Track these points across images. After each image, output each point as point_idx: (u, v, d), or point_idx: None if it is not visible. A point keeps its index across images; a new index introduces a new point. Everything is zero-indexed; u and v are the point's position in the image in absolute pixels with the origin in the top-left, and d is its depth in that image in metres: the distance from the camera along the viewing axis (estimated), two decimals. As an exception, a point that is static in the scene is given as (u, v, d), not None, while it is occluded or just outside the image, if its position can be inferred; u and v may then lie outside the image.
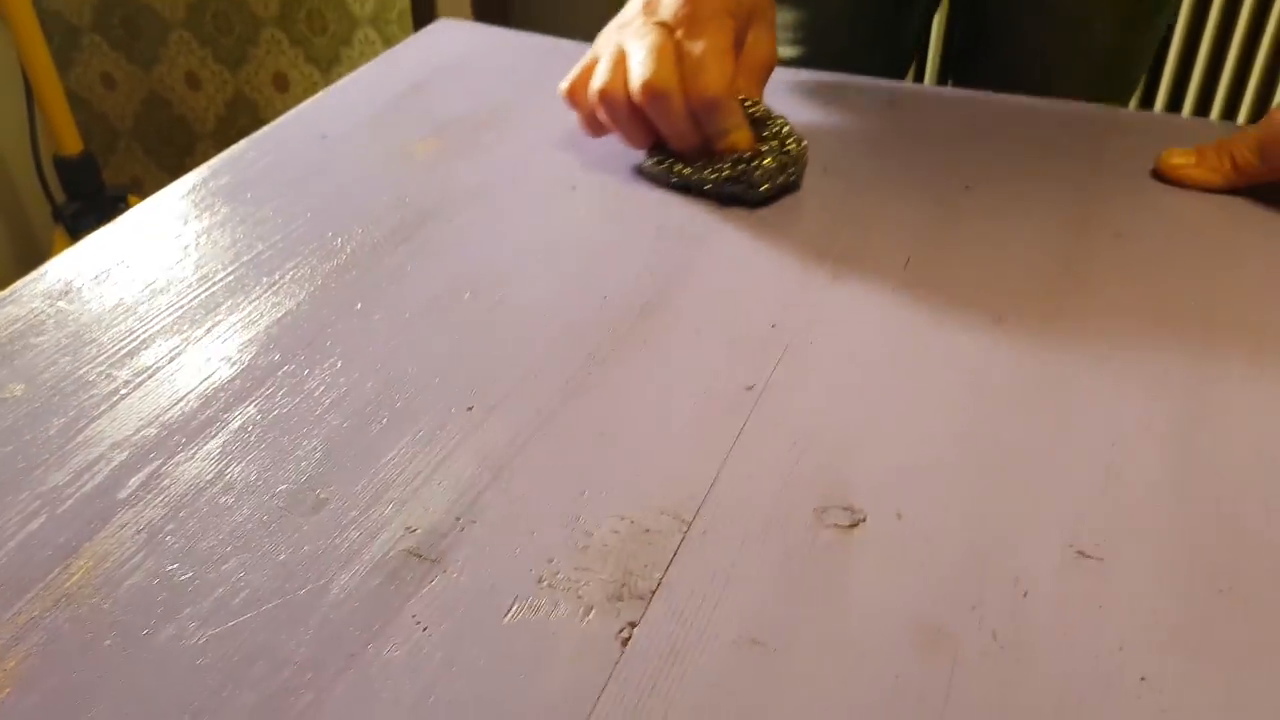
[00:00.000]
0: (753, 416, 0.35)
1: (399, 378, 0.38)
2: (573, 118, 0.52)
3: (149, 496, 0.32)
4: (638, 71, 0.44)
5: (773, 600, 0.29)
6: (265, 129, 0.56)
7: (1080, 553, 0.30)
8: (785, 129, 0.47)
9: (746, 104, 0.47)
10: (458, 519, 0.32)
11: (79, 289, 0.42)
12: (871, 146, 0.54)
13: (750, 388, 0.37)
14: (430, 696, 0.27)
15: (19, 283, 0.43)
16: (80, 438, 0.35)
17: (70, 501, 0.32)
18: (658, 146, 0.49)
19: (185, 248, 0.45)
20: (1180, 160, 0.49)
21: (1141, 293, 0.43)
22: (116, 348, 0.39)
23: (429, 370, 0.38)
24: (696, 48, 0.45)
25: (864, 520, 0.31)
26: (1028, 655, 0.27)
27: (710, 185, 0.47)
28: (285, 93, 1.73)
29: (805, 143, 0.48)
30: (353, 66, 1.68)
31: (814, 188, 0.50)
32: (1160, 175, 0.50)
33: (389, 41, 1.67)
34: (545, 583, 0.30)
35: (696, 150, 0.47)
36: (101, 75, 1.80)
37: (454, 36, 0.68)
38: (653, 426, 0.35)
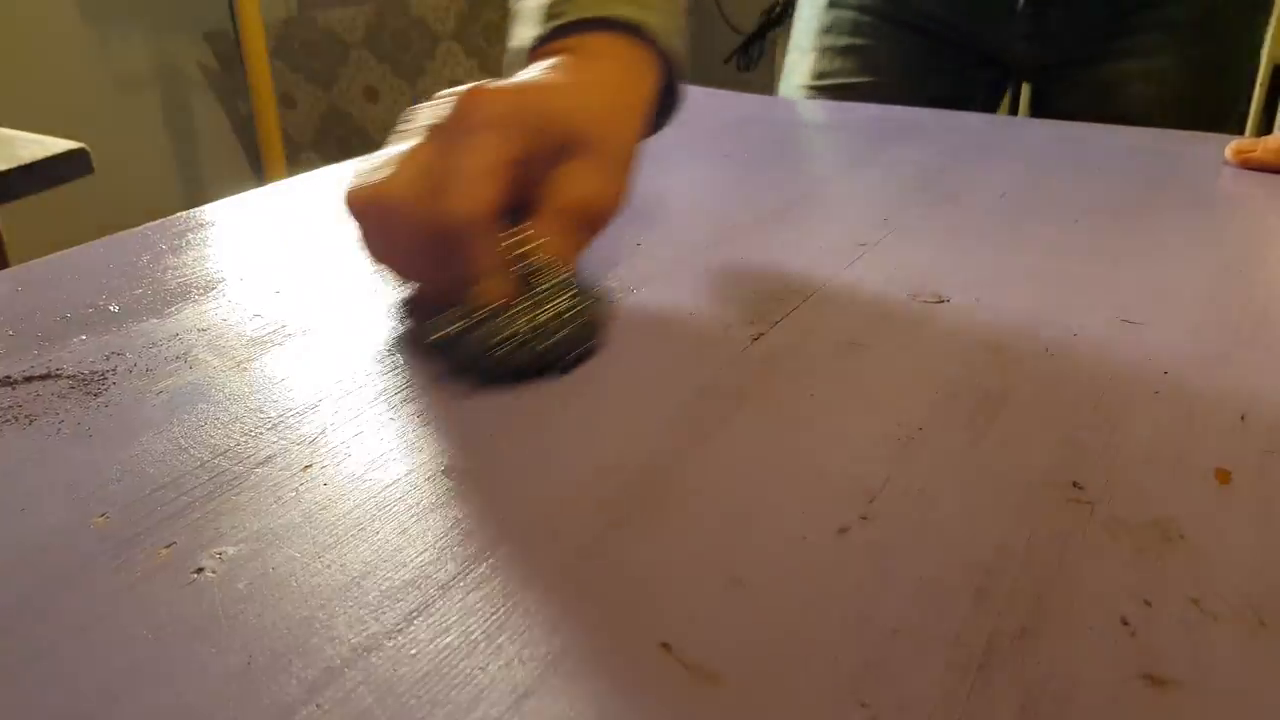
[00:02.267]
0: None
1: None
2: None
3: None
4: (357, 180, 0.32)
5: None
6: None
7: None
8: (568, 289, 0.32)
9: (520, 250, 0.32)
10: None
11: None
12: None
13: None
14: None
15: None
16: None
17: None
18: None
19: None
20: (1246, 146, 0.56)
21: None
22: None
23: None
24: (452, 160, 0.31)
25: None
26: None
27: (446, 346, 0.32)
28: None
29: (591, 307, 0.33)
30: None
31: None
32: (1228, 162, 0.55)
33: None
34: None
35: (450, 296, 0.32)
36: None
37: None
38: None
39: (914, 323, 0.37)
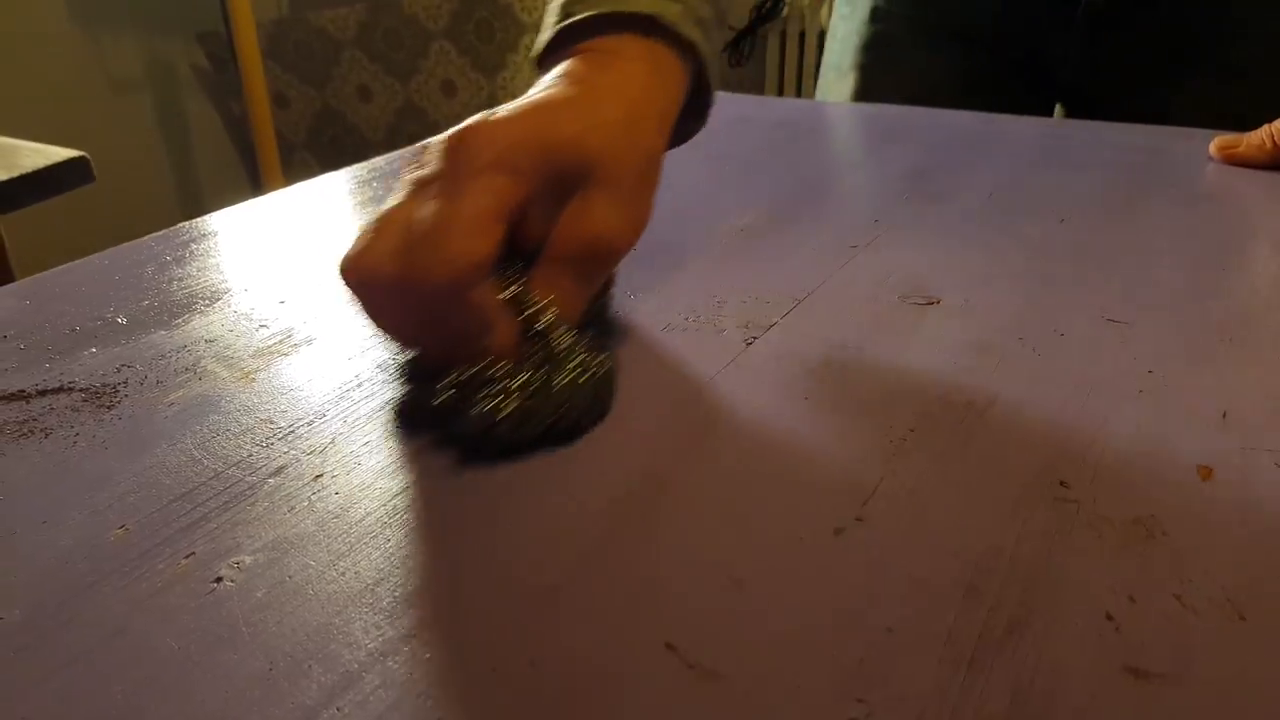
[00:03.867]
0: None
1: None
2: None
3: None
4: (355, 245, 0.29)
5: None
6: None
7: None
8: (577, 350, 0.30)
9: (524, 307, 0.30)
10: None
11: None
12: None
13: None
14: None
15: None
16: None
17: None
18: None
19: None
20: (1229, 142, 0.56)
21: None
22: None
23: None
24: (435, 215, 0.28)
25: None
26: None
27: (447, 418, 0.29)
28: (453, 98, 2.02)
29: (601, 368, 0.31)
30: (518, 71, 1.99)
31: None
32: (1212, 158, 0.56)
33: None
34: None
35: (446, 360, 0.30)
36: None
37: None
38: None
39: (905, 324, 0.37)
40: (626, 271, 0.43)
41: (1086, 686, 0.21)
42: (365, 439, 0.30)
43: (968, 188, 0.54)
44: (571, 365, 0.29)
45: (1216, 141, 0.58)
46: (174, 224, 0.51)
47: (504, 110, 0.31)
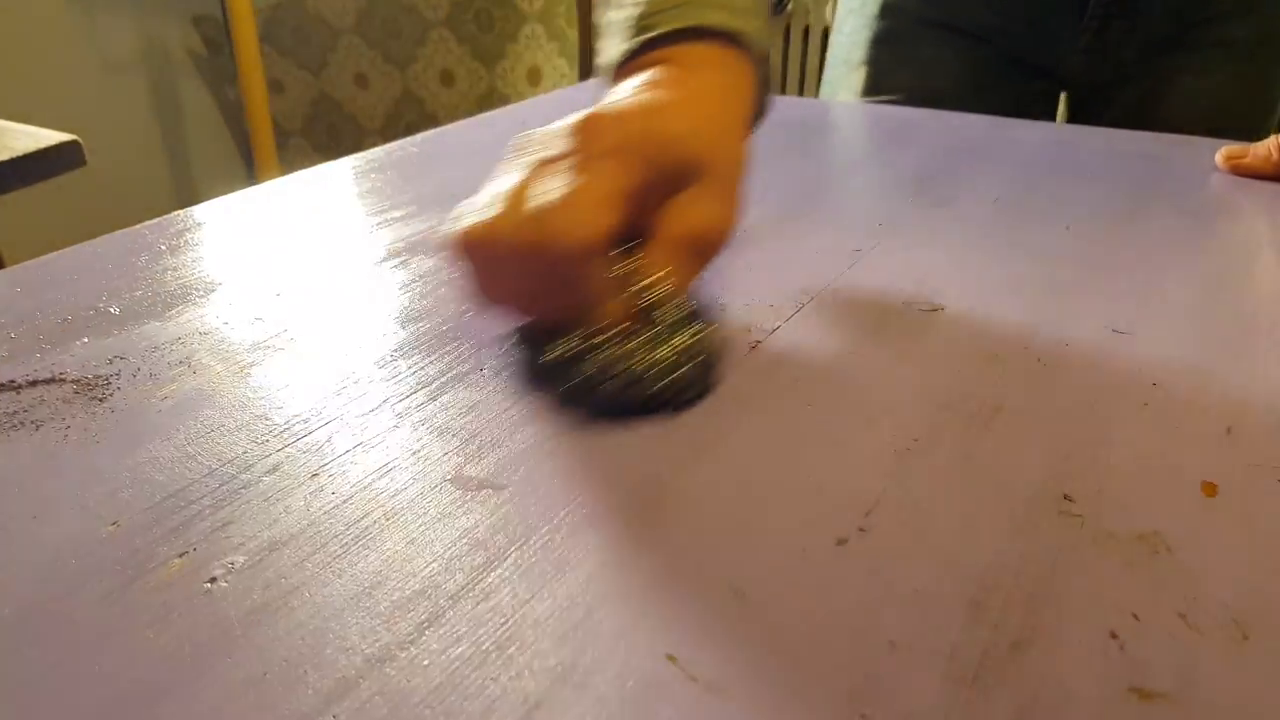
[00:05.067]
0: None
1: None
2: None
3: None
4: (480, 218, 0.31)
5: None
6: (491, 115, 0.60)
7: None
8: (688, 324, 0.32)
9: (638, 281, 0.32)
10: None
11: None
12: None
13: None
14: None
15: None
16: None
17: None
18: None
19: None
20: (1236, 152, 0.57)
21: None
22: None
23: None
24: (566, 188, 0.30)
25: None
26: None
27: (564, 375, 0.31)
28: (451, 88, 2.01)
29: (709, 344, 0.32)
30: (518, 61, 1.98)
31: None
32: (1218, 168, 0.56)
33: (555, 37, 1.97)
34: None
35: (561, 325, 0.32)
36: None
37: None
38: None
39: (910, 331, 0.37)
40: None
41: (1091, 706, 0.20)
42: (361, 438, 0.30)
43: (972, 193, 0.54)
44: (680, 339, 0.31)
45: (1223, 151, 0.59)
46: (166, 210, 0.51)
47: (617, 105, 0.34)
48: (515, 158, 0.33)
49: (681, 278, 0.33)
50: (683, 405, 0.31)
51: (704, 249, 0.34)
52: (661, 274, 0.32)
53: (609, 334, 0.31)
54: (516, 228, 0.30)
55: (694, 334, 0.32)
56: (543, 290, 0.31)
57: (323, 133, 2.12)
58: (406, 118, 2.01)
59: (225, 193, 0.53)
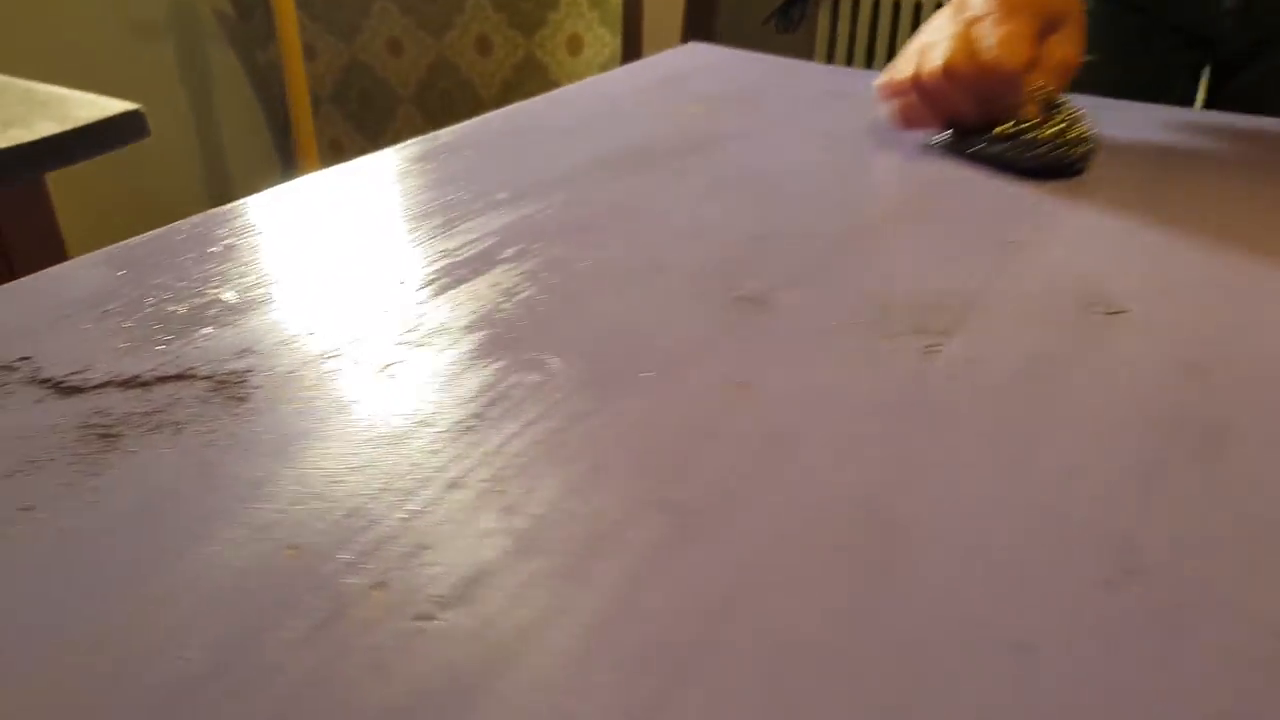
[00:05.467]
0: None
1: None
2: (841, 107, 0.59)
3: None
4: (938, 58, 0.51)
5: None
6: (556, 93, 0.65)
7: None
8: (1075, 113, 0.50)
9: (1039, 89, 0.50)
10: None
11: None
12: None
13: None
14: None
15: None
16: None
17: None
18: (949, 124, 0.54)
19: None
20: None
21: None
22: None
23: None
24: (999, 30, 0.50)
25: None
26: None
27: (998, 154, 0.50)
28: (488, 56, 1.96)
29: (1094, 130, 0.51)
30: (558, 29, 1.93)
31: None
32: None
33: (596, 5, 1.92)
34: None
35: (981, 125, 0.51)
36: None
37: (705, 53, 0.76)
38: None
39: (1095, 336, 0.34)
40: (761, 261, 0.39)
41: None
42: (533, 452, 0.27)
43: (1117, 177, 0.51)
44: (1076, 125, 0.50)
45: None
46: (193, 175, 0.47)
47: None
48: (942, 20, 0.54)
49: (1058, 88, 0.52)
50: (1082, 169, 0.51)
51: (1069, 70, 0.53)
52: (1049, 86, 0.51)
53: (1031, 121, 0.50)
54: (969, 59, 0.50)
55: (1081, 121, 0.50)
56: (981, 102, 0.51)
57: (354, 99, 2.08)
58: (441, 84, 1.97)
59: (257, 160, 0.50)
